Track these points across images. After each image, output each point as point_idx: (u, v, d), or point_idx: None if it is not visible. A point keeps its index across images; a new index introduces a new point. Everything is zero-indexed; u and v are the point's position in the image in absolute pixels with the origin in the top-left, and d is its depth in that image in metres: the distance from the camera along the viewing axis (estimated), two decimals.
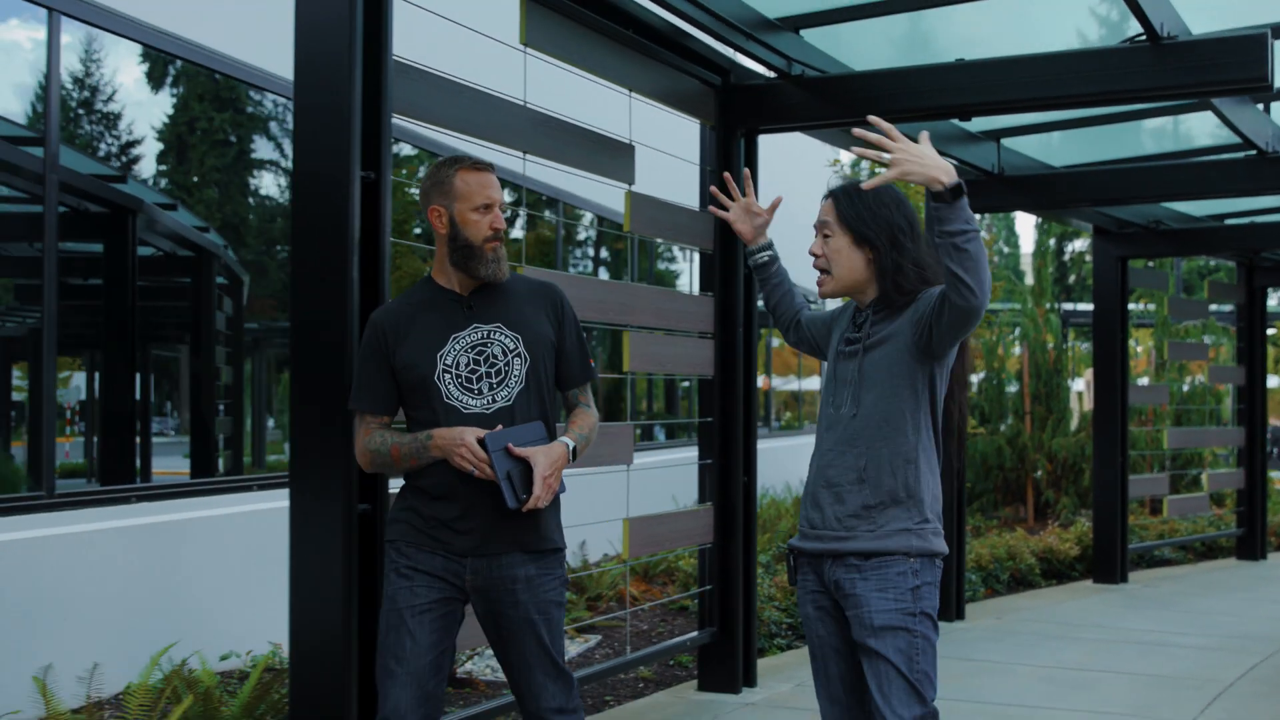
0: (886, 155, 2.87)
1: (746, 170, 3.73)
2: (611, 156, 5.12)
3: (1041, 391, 13.44)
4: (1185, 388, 13.97)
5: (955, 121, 7.11)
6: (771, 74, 5.90)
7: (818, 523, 3.15)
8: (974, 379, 13.44)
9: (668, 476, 9.32)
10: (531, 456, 3.22)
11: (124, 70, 6.30)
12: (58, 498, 5.31)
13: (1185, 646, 7.22)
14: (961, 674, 6.34)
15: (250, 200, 7.43)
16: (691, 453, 9.95)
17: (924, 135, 2.92)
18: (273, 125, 7.29)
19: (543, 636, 3.31)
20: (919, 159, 2.83)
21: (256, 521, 6.27)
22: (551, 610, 3.35)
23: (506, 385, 3.33)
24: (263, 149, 7.36)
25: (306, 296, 3.68)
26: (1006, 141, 7.86)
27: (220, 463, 6.98)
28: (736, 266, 5.86)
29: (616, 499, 5.64)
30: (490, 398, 3.32)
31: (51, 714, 3.83)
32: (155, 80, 6.62)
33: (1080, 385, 17.45)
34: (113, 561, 5.45)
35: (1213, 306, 12.96)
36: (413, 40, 4.16)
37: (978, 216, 10.16)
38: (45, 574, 5.12)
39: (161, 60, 6.46)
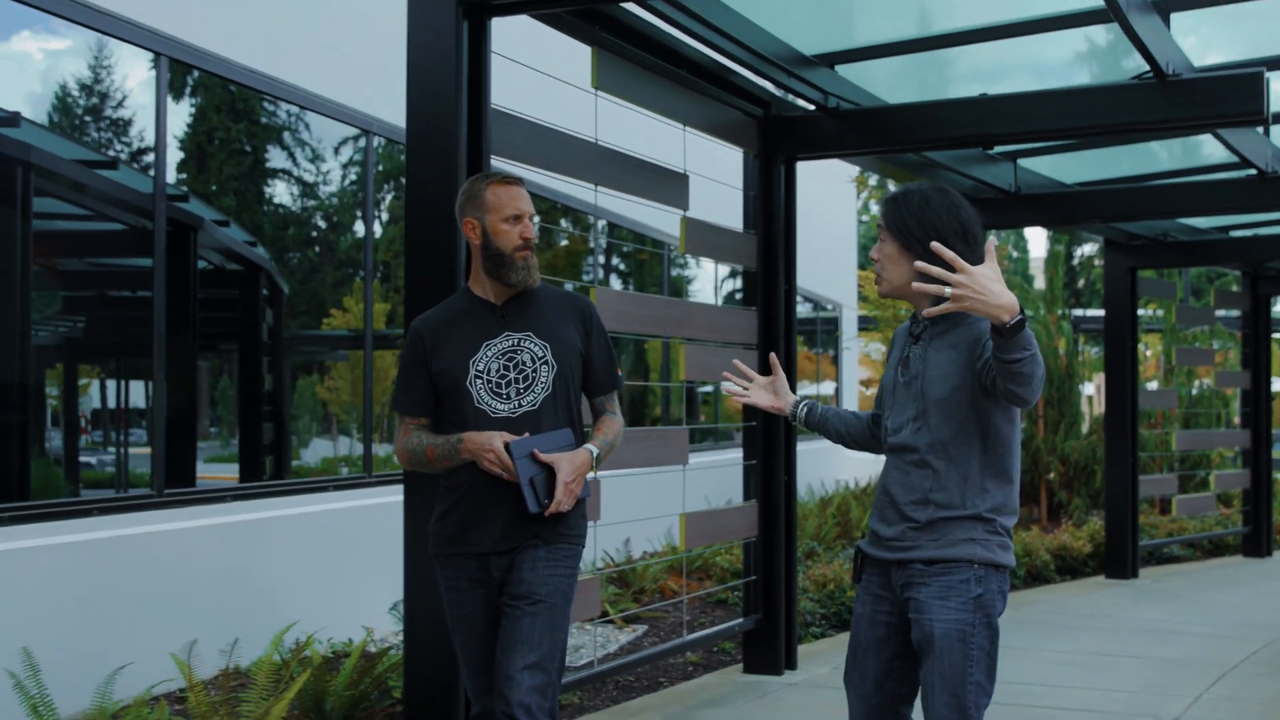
0: (948, 290, 2.80)
1: (773, 355, 3.66)
2: (668, 185, 5.66)
3: (1054, 396, 13.91)
4: (1194, 391, 14.45)
5: None
6: (809, 106, 6.43)
7: (885, 533, 3.19)
8: None
9: (703, 477, 9.84)
10: (555, 463, 3.38)
11: (191, 101, 6.85)
12: (167, 496, 5.86)
13: (1192, 634, 7.72)
14: None
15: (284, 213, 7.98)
16: (713, 456, 10.55)
17: (990, 248, 2.90)
18: (320, 149, 7.84)
19: (539, 619, 3.39)
20: (982, 295, 2.75)
21: (329, 519, 6.81)
22: (551, 596, 3.43)
23: (533, 391, 3.49)
24: (306, 172, 7.91)
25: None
26: (1023, 161, 8.37)
27: (267, 466, 7.49)
28: (777, 283, 6.38)
29: (654, 498, 6.16)
30: (517, 403, 3.48)
31: (192, 684, 4.37)
32: (232, 113, 7.17)
33: (1091, 389, 17.86)
34: (212, 554, 5.99)
35: (1220, 312, 13.45)
36: (499, 86, 4.69)
37: (994, 233, 10.73)
38: (159, 563, 5.67)
39: (238, 93, 7.01)
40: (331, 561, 6.85)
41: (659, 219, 10.29)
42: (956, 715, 3.04)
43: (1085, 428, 14.37)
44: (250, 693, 4.48)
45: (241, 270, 7.57)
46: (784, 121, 6.40)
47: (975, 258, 3.03)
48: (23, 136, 5.74)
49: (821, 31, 6.11)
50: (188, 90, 6.60)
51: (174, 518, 5.88)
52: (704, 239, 5.90)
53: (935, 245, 2.85)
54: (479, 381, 3.48)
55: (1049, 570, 10.12)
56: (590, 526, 4.98)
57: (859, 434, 3.51)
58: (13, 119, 5.71)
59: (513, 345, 3.51)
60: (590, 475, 3.53)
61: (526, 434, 3.41)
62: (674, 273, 12.80)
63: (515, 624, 3.40)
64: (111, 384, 6.38)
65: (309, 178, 7.71)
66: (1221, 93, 5.55)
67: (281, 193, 7.72)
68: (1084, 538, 10.80)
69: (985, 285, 2.73)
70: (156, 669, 5.21)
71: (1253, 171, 7.86)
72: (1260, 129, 7.55)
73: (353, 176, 7.96)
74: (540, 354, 3.51)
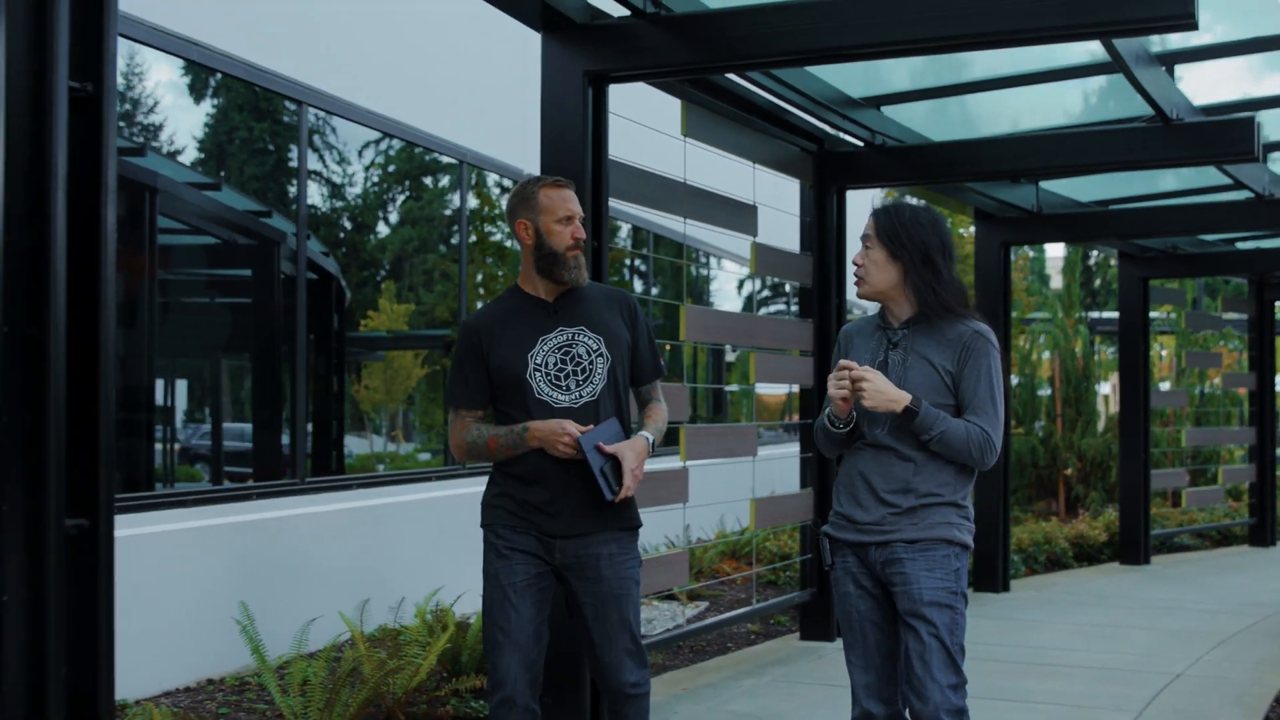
0: (843, 392, 3.40)
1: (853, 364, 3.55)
2: (741, 215, 6.58)
3: (1071, 395, 14.72)
4: (1206, 390, 15.28)
5: None
6: (859, 143, 7.34)
7: (860, 518, 3.45)
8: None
9: (741, 470, 10.76)
10: (620, 452, 3.56)
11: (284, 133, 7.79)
12: (308, 484, 6.80)
13: (1198, 610, 8.60)
14: (1009, 629, 7.75)
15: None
16: (767, 450, 11.42)
17: (876, 375, 3.38)
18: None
19: (625, 612, 3.65)
20: (879, 394, 3.34)
21: (434, 505, 7.74)
22: (631, 588, 3.67)
23: (591, 382, 3.64)
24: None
25: None
26: (1044, 184, 9.26)
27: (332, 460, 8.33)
28: (830, 298, 7.27)
29: (709, 488, 7.05)
30: (577, 394, 3.63)
31: (359, 638, 5.30)
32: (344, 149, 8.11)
33: (1107, 389, 18.63)
34: (342, 532, 6.93)
35: (1230, 315, 14.30)
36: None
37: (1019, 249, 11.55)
38: (299, 541, 6.61)
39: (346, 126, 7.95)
40: (434, 540, 7.77)
41: (676, 223, 11.21)
42: (952, 672, 3.33)
43: (1101, 426, 15.16)
44: (408, 645, 5.42)
45: (317, 279, 8.45)
46: (836, 156, 7.31)
47: (950, 268, 3.45)
48: (148, 164, 6.52)
49: (869, 77, 7.01)
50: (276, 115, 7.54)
51: (314, 502, 6.83)
52: (770, 260, 6.81)
53: (844, 362, 3.43)
54: (538, 374, 3.63)
55: (1067, 557, 10.98)
56: (679, 507, 5.93)
57: (844, 444, 3.59)
58: (140, 149, 6.52)
59: (568, 339, 3.66)
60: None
61: (591, 425, 3.59)
62: (695, 273, 13.70)
63: (606, 618, 3.63)
64: (234, 383, 7.33)
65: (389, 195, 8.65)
66: (1218, 135, 6.44)
67: (354, 209, 8.67)
68: (1100, 527, 11.66)
69: (879, 388, 3.34)
70: (328, 626, 6.15)
71: (1250, 195, 8.73)
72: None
73: (447, 200, 8.91)
74: (595, 347, 3.67)
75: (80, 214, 2.89)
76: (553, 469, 3.60)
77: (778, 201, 7.33)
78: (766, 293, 16.68)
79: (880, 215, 3.48)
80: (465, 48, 8.36)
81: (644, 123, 5.86)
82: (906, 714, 3.45)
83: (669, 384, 6.94)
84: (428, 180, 8.87)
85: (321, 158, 7.62)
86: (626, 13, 5.11)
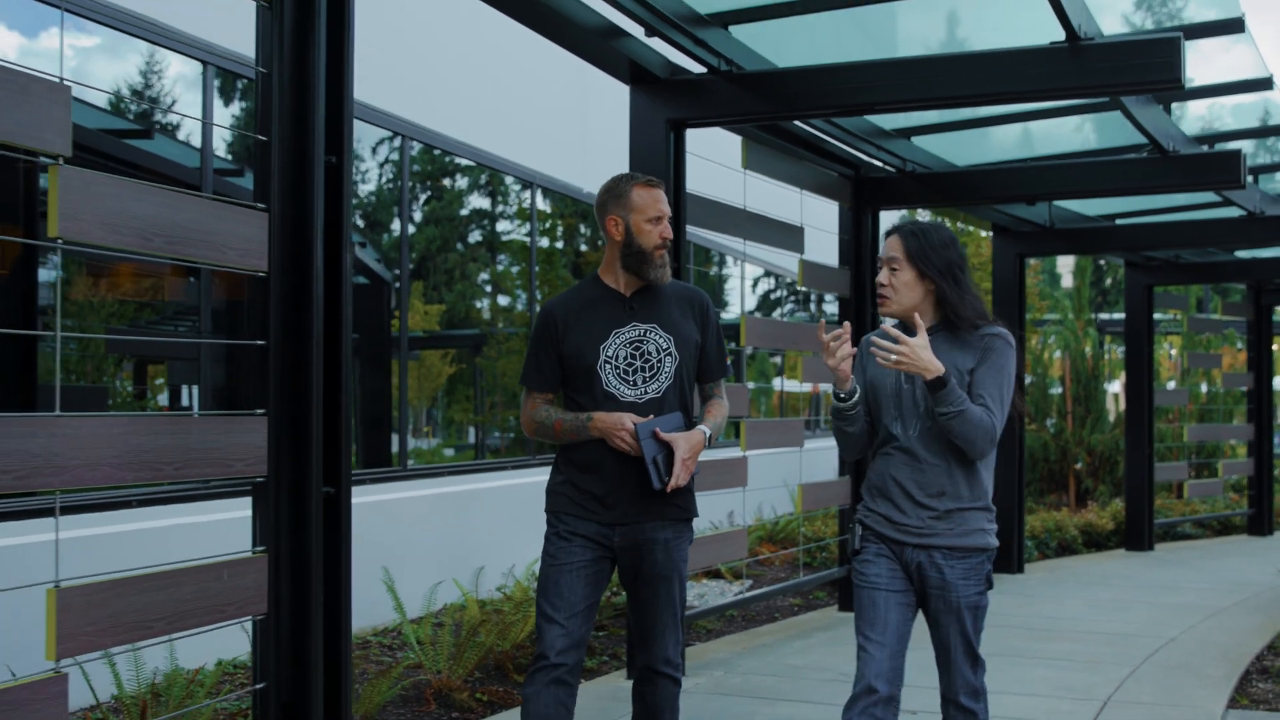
0: (892, 356, 3.40)
1: (848, 324, 3.59)
2: (790, 235, 7.50)
3: (1081, 394, 15.55)
4: (1208, 389, 16.13)
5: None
6: (891, 169, 8.25)
7: (899, 520, 3.55)
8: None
9: (779, 460, 11.70)
10: (674, 442, 3.63)
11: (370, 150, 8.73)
12: (410, 471, 7.75)
13: (1195, 589, 9.49)
14: (1024, 603, 8.66)
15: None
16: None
17: (921, 327, 3.47)
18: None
19: (673, 593, 3.79)
20: (914, 359, 3.38)
21: (502, 493, 8.68)
22: (680, 572, 3.81)
23: (658, 379, 3.73)
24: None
25: None
26: (1056, 201, 10.16)
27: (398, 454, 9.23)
28: (865, 308, 8.19)
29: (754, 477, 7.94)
30: (644, 389, 3.72)
31: (471, 601, 6.24)
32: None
33: (1116, 387, 19.42)
34: (435, 515, 7.88)
35: (1229, 319, 15.17)
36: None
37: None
38: (401, 522, 7.55)
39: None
40: (510, 521, 8.71)
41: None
42: (976, 664, 3.58)
43: (1110, 422, 16.02)
44: (509, 606, 6.35)
45: (370, 284, 9.27)
46: (871, 181, 8.22)
47: (969, 281, 3.58)
48: (154, 148, 6.63)
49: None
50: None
51: (410, 488, 7.78)
52: (814, 274, 7.73)
53: (886, 327, 3.49)
54: (608, 367, 3.71)
55: (1077, 544, 11.88)
56: (740, 491, 6.85)
57: (863, 436, 3.65)
58: (147, 131, 6.60)
59: (639, 335, 3.74)
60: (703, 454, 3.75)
61: (651, 415, 3.69)
62: (712, 272, 14.60)
63: (655, 600, 3.78)
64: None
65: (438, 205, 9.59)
66: (1209, 166, 7.34)
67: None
68: (1107, 516, 12.55)
69: (917, 353, 3.38)
70: (424, 592, 7.09)
71: (1243, 212, 9.63)
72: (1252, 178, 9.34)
73: (517, 217, 9.86)
74: (665, 346, 3.74)
75: (328, 256, 3.83)
76: (611, 459, 3.69)
77: (819, 222, 8.25)
78: (780, 293, 17.58)
79: (909, 239, 3.56)
80: (529, 77, 9.29)
81: (701, 155, 6.79)
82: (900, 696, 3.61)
83: (732, 384, 7.96)
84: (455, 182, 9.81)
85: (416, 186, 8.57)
86: (703, 70, 6.03)
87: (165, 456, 3.30)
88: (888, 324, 3.59)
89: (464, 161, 9.02)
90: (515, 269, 9.98)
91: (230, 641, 5.60)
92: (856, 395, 3.58)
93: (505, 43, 8.93)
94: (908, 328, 3.59)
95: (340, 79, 3.85)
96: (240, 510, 6.27)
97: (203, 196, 3.54)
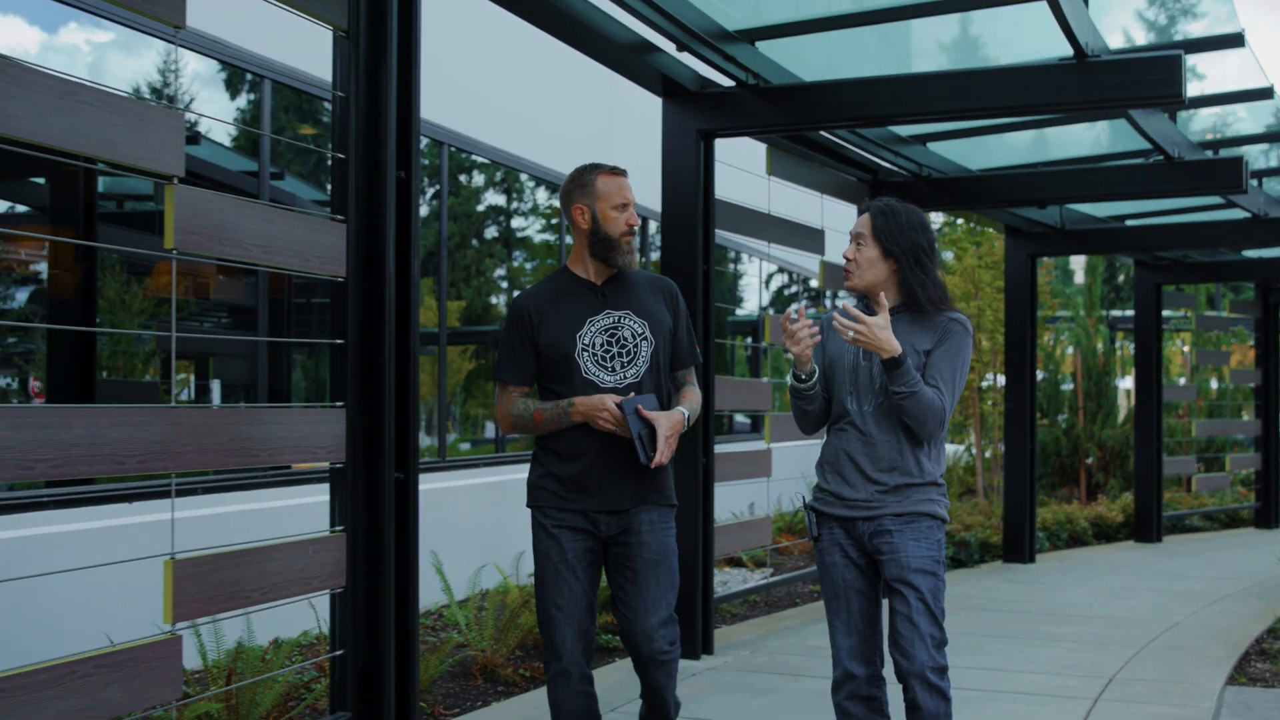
0: (849, 333, 3.46)
1: (801, 306, 3.84)
2: (811, 238, 7.87)
3: (1092, 390, 15.86)
4: (1217, 384, 16.45)
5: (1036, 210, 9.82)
6: (907, 174, 8.61)
7: (848, 495, 3.62)
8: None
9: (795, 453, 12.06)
10: (655, 420, 3.67)
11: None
12: (449, 463, 8.13)
13: (1200, 578, 9.84)
14: (1035, 590, 9.01)
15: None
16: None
17: (882, 303, 3.50)
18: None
19: (662, 578, 3.76)
20: (873, 338, 3.43)
21: None
22: (670, 556, 3.80)
23: (635, 364, 3.77)
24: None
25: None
26: (1070, 205, 10.50)
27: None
28: None
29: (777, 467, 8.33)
30: (622, 374, 3.76)
31: (509, 585, 6.62)
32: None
33: (1128, 383, 19.72)
34: (476, 503, 8.27)
35: (1237, 317, 15.47)
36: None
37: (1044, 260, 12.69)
38: (446, 509, 7.94)
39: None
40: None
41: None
42: (936, 632, 3.54)
43: (1121, 418, 16.31)
44: None
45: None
46: (888, 185, 8.58)
47: (934, 267, 3.62)
48: (202, 154, 6.89)
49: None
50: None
51: (450, 478, 8.16)
52: (834, 275, 8.09)
53: (846, 305, 3.56)
54: (585, 354, 3.75)
55: (1087, 535, 12.21)
56: (765, 481, 7.21)
57: (821, 413, 3.76)
58: (194, 137, 6.78)
59: (614, 322, 3.78)
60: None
61: (631, 393, 3.74)
62: (728, 270, 14.96)
63: (643, 582, 3.74)
64: None
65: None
66: (1213, 173, 7.67)
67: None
68: (1117, 509, 12.88)
69: (875, 333, 3.43)
70: (466, 574, 7.47)
71: (1248, 214, 9.96)
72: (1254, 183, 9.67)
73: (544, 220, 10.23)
74: (640, 331, 3.79)
75: (399, 262, 4.21)
76: (594, 445, 3.72)
77: (838, 224, 8.61)
78: (794, 289, 17.92)
79: (877, 216, 3.62)
80: (556, 83, 9.67)
81: (727, 161, 7.16)
82: (883, 673, 3.71)
83: (755, 380, 8.37)
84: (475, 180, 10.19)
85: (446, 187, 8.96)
86: (732, 83, 6.40)
87: (261, 444, 3.69)
88: (849, 303, 3.65)
89: (479, 159, 9.41)
90: (529, 265, 10.38)
91: (285, 622, 5.98)
92: (815, 376, 3.67)
93: (537, 57, 9.32)
94: (870, 307, 3.62)
95: (409, 101, 4.22)
96: (286, 499, 6.67)
97: (292, 210, 3.92)
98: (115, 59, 6.36)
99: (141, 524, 5.61)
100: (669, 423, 3.68)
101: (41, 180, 6.12)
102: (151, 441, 3.30)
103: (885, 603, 3.68)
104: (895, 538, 3.55)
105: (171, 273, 3.85)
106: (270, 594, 3.72)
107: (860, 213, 3.73)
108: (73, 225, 6.04)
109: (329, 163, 4.25)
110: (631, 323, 3.78)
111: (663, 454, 3.66)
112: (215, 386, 7.15)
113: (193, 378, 7.18)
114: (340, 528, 4.08)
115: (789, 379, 3.74)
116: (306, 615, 6.12)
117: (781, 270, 16.04)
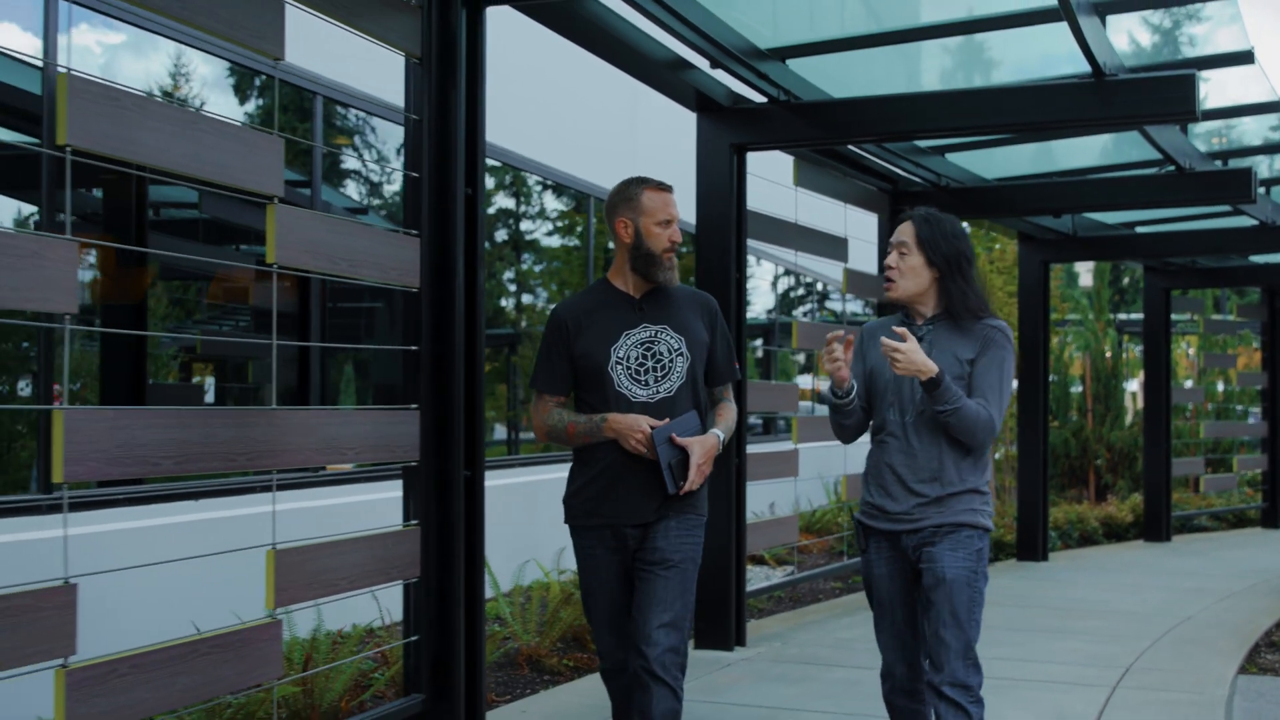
0: (896, 356, 3.43)
1: (847, 336, 3.63)
2: (835, 246, 8.16)
3: (1101, 392, 16.14)
4: (1224, 387, 16.71)
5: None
6: (926, 183, 8.90)
7: (891, 508, 3.63)
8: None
9: (814, 455, 12.34)
10: (689, 446, 3.65)
11: None
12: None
13: (1210, 575, 10.11)
14: (1049, 586, 9.30)
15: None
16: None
17: (907, 334, 3.47)
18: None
19: (672, 582, 3.69)
20: (910, 363, 3.43)
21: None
22: (688, 563, 3.75)
23: (669, 379, 3.75)
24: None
25: None
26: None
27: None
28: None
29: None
30: (655, 389, 3.74)
31: (550, 582, 6.90)
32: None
33: (1135, 386, 19.94)
34: (509, 499, 8.56)
35: (1244, 320, 15.77)
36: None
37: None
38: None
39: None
40: None
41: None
42: (965, 645, 3.53)
43: (1129, 420, 16.55)
44: None
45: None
46: (908, 195, 8.87)
47: (971, 272, 3.63)
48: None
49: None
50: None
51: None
52: (857, 282, 8.39)
53: (897, 328, 3.52)
54: (619, 367, 3.73)
55: (1098, 535, 12.49)
56: (790, 481, 7.50)
57: (860, 425, 3.78)
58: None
59: (650, 336, 3.77)
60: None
61: (666, 419, 3.69)
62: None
63: (650, 586, 3.70)
64: None
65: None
66: (1222, 183, 7.95)
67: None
68: (1126, 509, 13.16)
69: (911, 356, 3.42)
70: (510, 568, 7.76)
71: (1256, 221, 10.25)
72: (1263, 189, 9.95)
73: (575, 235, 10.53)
74: (676, 346, 3.77)
75: (467, 273, 4.50)
76: (627, 462, 3.72)
77: (858, 232, 8.90)
78: (799, 292, 18.18)
79: (921, 224, 3.63)
80: (584, 98, 9.96)
81: (755, 172, 7.45)
82: (927, 665, 3.69)
83: (784, 383, 8.68)
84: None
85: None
86: (764, 99, 6.69)
87: (348, 443, 3.98)
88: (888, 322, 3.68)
89: (533, 177, 9.71)
90: (538, 268, 10.68)
91: (343, 615, 6.27)
92: (854, 392, 3.66)
93: (563, 75, 9.62)
94: (909, 318, 3.65)
95: (475, 123, 4.52)
96: (334, 498, 6.96)
97: (372, 226, 4.22)
98: (125, 60, 6.62)
99: (197, 521, 5.90)
100: (703, 450, 3.68)
101: (98, 192, 6.42)
102: (259, 440, 3.59)
103: None
104: (934, 548, 3.56)
105: (272, 285, 4.14)
106: (356, 583, 4.01)
107: (899, 222, 3.73)
108: (125, 233, 6.33)
109: (395, 178, 4.54)
110: (668, 337, 3.77)
111: (693, 482, 3.66)
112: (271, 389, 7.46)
113: (212, 380, 7.49)
114: (414, 522, 4.37)
115: (826, 392, 3.76)
116: (365, 607, 6.40)
117: (789, 273, 16.32)
